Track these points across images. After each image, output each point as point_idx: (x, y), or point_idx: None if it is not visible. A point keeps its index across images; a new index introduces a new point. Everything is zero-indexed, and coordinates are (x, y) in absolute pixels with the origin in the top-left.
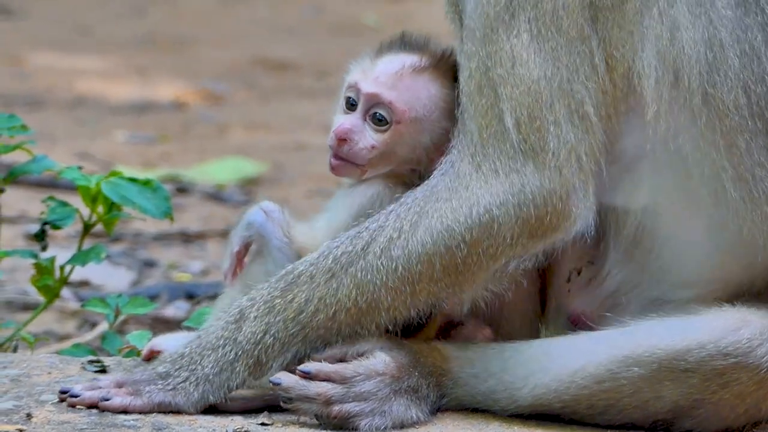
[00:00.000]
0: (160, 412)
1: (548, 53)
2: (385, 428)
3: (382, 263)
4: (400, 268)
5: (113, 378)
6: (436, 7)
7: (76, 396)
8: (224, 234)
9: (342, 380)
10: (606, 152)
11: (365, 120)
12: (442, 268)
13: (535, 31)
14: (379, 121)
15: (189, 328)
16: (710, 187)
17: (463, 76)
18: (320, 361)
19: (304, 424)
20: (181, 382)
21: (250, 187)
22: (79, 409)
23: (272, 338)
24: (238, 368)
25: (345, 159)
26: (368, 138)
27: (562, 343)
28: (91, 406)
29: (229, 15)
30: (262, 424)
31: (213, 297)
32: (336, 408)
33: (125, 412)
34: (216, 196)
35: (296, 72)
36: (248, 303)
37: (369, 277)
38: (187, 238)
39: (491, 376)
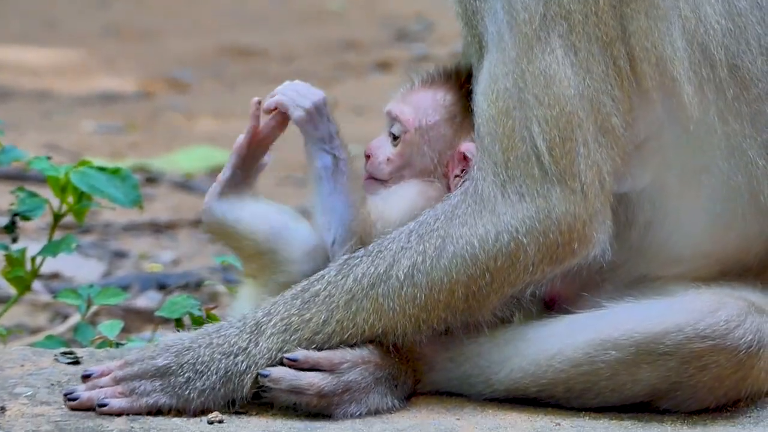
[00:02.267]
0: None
1: (580, 66)
2: (360, 415)
3: (404, 291)
4: (423, 296)
5: (111, 373)
6: None
7: (75, 399)
8: (194, 223)
9: (331, 367)
10: (626, 161)
11: (387, 138)
12: (463, 296)
13: (569, 44)
14: (393, 136)
15: (162, 320)
16: (730, 158)
17: (487, 97)
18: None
19: (279, 411)
20: (183, 384)
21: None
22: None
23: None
24: (246, 381)
25: (371, 176)
26: (385, 152)
27: (539, 326)
28: (89, 409)
29: (194, 4)
30: (237, 413)
31: (184, 287)
32: (326, 400)
33: (123, 414)
34: (185, 185)
35: (263, 58)
36: (265, 317)
37: (390, 303)
38: (157, 228)
39: (467, 360)
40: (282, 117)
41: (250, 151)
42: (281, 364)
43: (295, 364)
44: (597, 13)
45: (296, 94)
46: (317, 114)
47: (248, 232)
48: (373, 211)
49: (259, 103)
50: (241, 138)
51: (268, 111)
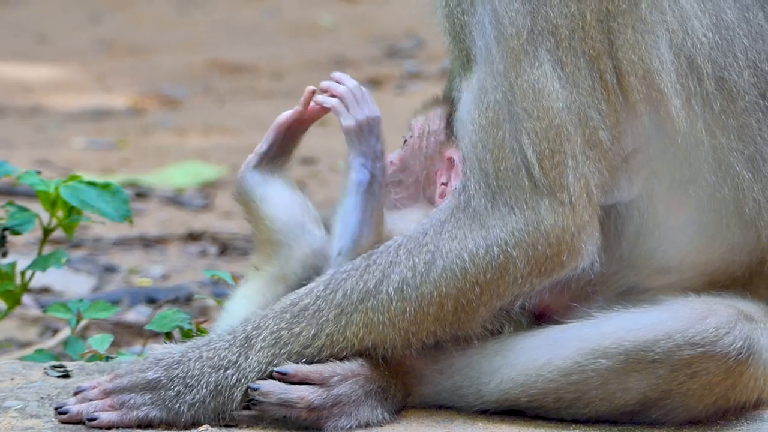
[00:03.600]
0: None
1: (568, 80)
2: (350, 428)
3: (394, 305)
4: (412, 309)
5: (101, 386)
6: (390, 8)
7: (65, 413)
8: (184, 238)
9: (321, 381)
10: (614, 174)
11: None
12: (452, 309)
13: (556, 59)
14: (404, 141)
15: (152, 334)
16: (717, 170)
17: (478, 107)
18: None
19: (269, 424)
20: (173, 397)
21: (209, 191)
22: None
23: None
24: (236, 394)
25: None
26: (393, 155)
27: (528, 336)
28: (79, 422)
29: (185, 20)
30: (227, 425)
31: (174, 301)
32: (316, 414)
33: (113, 428)
34: (175, 200)
35: (253, 74)
36: (254, 330)
37: (380, 317)
38: (147, 242)
39: (456, 371)
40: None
41: (290, 131)
42: (271, 377)
43: (284, 378)
44: (584, 27)
45: (354, 101)
46: (367, 129)
47: (268, 215)
48: (388, 231)
49: (313, 92)
50: (284, 115)
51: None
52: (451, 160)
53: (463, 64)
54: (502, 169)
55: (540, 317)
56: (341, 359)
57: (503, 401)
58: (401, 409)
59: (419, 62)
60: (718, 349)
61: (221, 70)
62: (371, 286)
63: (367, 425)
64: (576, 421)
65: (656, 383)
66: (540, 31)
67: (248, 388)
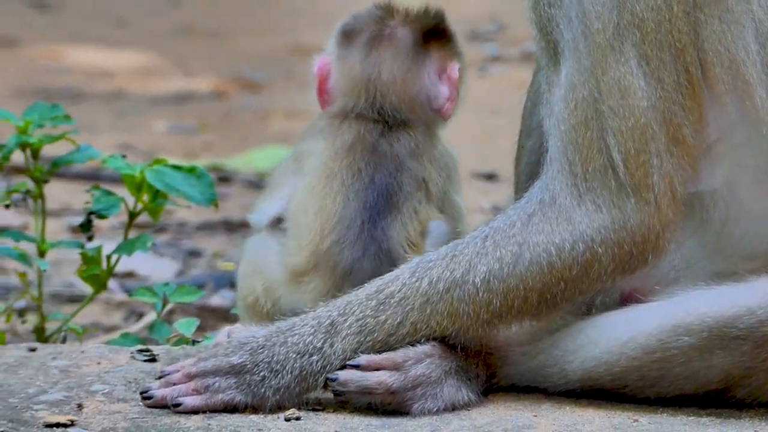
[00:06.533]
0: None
1: (653, 75)
2: (437, 410)
3: (480, 296)
4: (497, 302)
5: (184, 370)
6: None
7: (150, 398)
8: None
9: (394, 367)
10: (696, 167)
11: None
12: (536, 303)
13: (641, 53)
14: None
15: (238, 317)
16: None
17: (567, 105)
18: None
19: (355, 408)
20: (258, 382)
21: None
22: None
23: None
24: (320, 380)
25: None
26: None
27: (611, 315)
28: (164, 406)
29: (265, 4)
30: (314, 409)
31: None
32: (398, 397)
33: (198, 412)
34: (258, 184)
35: None
36: (340, 316)
37: (464, 308)
38: (230, 226)
39: (540, 352)
40: None
41: None
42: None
43: (359, 369)
44: (670, 20)
45: None
46: None
47: None
48: None
49: None
50: None
51: None
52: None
53: (551, 57)
54: (590, 170)
55: (626, 300)
56: (411, 344)
57: (587, 380)
58: (488, 392)
59: (500, 46)
60: None
61: (302, 54)
62: (458, 276)
63: (454, 407)
64: (663, 404)
65: (740, 360)
66: (626, 25)
67: (327, 379)
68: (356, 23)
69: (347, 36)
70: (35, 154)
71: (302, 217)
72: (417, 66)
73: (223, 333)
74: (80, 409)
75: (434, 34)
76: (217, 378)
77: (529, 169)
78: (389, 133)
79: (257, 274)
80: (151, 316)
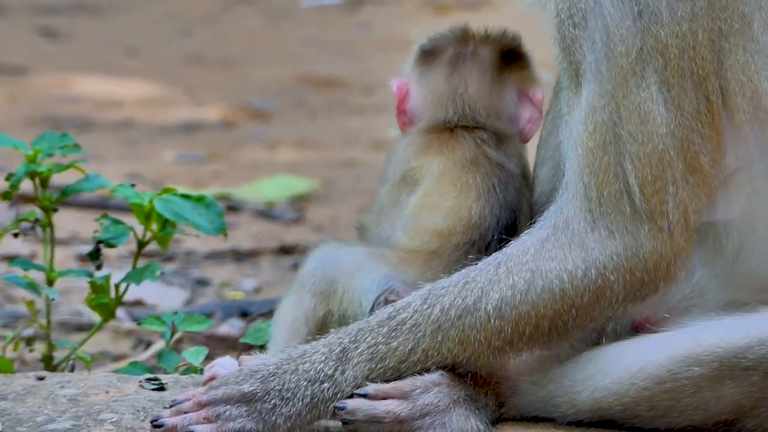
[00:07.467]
0: None
1: (673, 102)
2: None
3: (492, 323)
4: (509, 329)
5: (195, 398)
6: (477, 19)
7: (160, 426)
8: (276, 251)
9: (402, 396)
10: (712, 197)
11: None
12: (547, 330)
13: (663, 79)
14: None
15: (246, 347)
16: None
17: (586, 128)
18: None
19: None
20: (269, 410)
21: (300, 204)
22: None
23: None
24: (331, 408)
25: None
26: None
27: (621, 345)
28: None
29: (275, 34)
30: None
31: (267, 314)
32: (406, 426)
33: None
34: (267, 213)
35: (344, 89)
36: (351, 343)
37: (476, 335)
38: (239, 256)
39: (550, 381)
40: None
41: None
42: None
43: (367, 398)
44: (695, 47)
45: None
46: None
47: None
48: None
49: None
50: None
51: None
52: (531, 100)
53: (572, 77)
54: (605, 194)
55: (636, 329)
56: (419, 373)
57: (597, 410)
58: (496, 421)
59: None
60: None
61: (312, 83)
62: (470, 303)
63: None
64: (671, 430)
65: (750, 390)
66: (649, 51)
67: (335, 408)
68: (436, 43)
69: (428, 56)
70: (44, 183)
71: (426, 217)
72: (500, 84)
73: (215, 365)
74: None
75: (513, 56)
76: (228, 406)
77: (542, 198)
78: (500, 146)
79: (335, 284)
80: (159, 345)
